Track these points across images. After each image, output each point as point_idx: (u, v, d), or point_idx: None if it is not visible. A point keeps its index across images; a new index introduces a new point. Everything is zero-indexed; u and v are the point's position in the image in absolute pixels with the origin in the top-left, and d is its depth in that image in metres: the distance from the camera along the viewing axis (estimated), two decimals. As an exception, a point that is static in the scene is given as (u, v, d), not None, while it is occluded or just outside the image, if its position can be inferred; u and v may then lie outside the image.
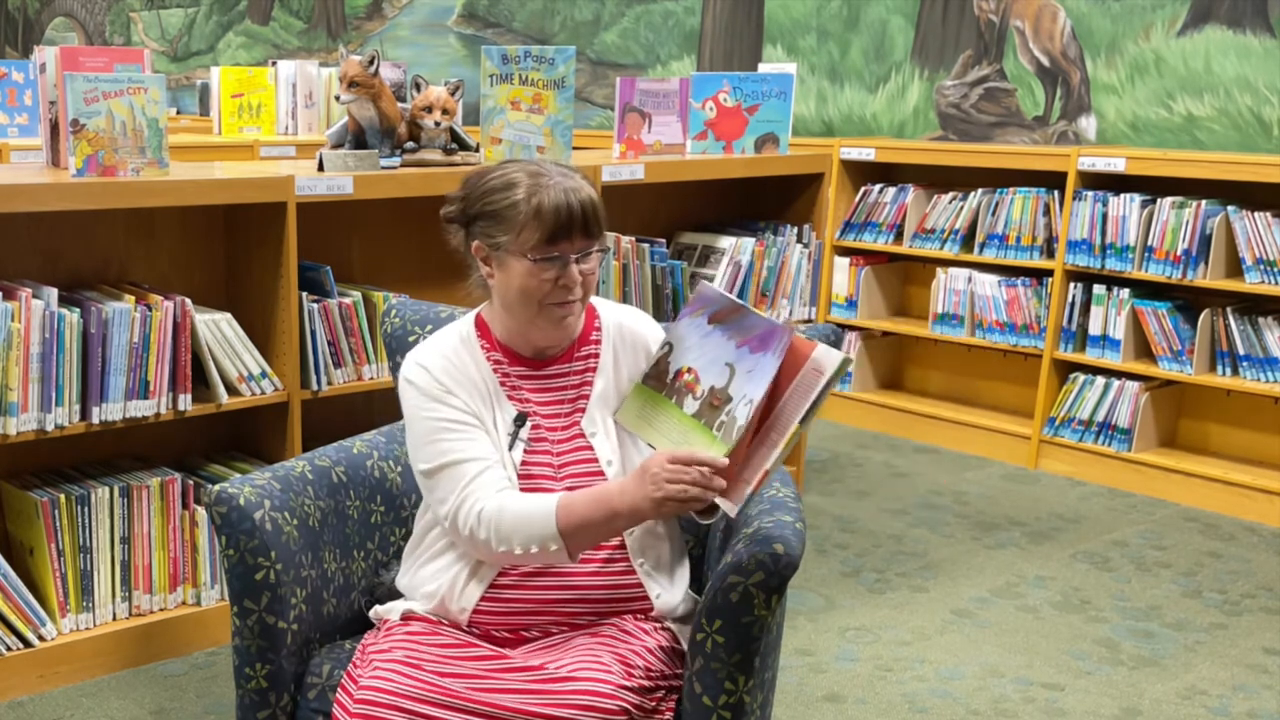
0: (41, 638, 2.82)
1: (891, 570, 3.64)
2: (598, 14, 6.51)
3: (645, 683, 1.81)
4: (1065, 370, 4.62)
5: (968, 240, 4.86)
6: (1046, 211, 4.63)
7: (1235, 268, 4.18)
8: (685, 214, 4.06)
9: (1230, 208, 4.14)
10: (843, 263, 5.20)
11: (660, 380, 1.86)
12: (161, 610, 2.99)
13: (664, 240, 3.65)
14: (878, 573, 3.62)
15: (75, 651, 2.85)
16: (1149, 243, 4.29)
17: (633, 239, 3.52)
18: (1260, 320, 4.12)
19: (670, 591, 1.99)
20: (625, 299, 3.51)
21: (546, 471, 1.94)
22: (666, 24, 6.20)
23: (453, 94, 3.17)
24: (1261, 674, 3.04)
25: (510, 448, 1.94)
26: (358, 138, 3.16)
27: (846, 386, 5.23)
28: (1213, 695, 2.93)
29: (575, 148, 3.66)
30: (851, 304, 5.20)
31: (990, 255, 4.75)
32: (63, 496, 2.80)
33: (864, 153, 5.09)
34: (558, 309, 1.91)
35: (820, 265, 4.03)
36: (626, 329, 2.04)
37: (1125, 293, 4.38)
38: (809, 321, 4.01)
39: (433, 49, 7.40)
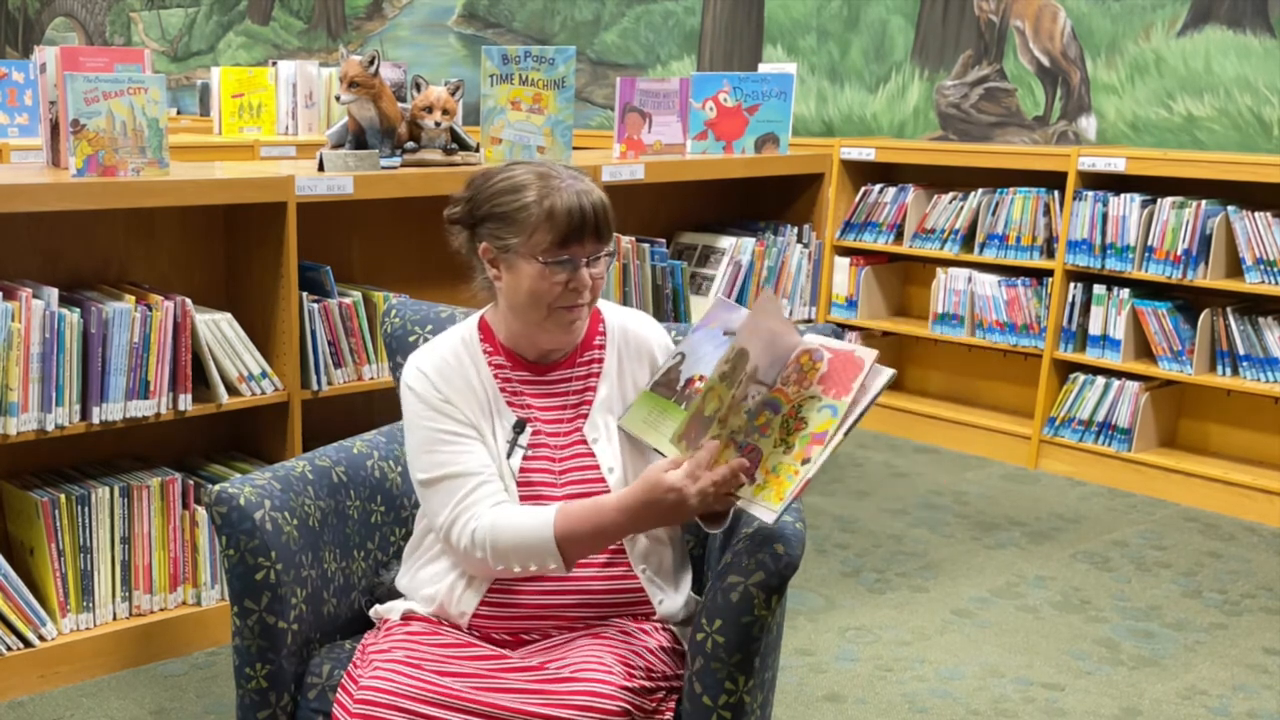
0: (42, 638, 2.82)
1: (891, 570, 3.64)
2: (598, 14, 6.51)
3: (646, 683, 1.81)
4: (1065, 370, 4.62)
5: (968, 240, 4.86)
6: (1046, 211, 4.63)
7: (1235, 268, 4.18)
8: (685, 214, 4.06)
9: (1230, 208, 4.15)
10: (843, 263, 5.21)
11: (670, 388, 1.85)
12: (161, 610, 2.99)
13: (664, 240, 3.65)
14: (878, 573, 3.62)
15: (75, 651, 2.85)
16: (1149, 243, 4.29)
17: (633, 239, 3.52)
18: (1260, 320, 4.12)
19: (672, 598, 1.98)
20: (625, 299, 3.50)
21: (547, 479, 1.93)
22: (666, 24, 6.20)
23: (453, 94, 3.17)
24: (1261, 674, 3.04)
25: (509, 455, 1.93)
26: (358, 138, 3.16)
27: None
28: (1213, 695, 2.93)
29: (575, 148, 3.66)
30: (851, 304, 5.20)
31: (990, 255, 4.75)
32: (63, 496, 2.80)
33: (864, 153, 5.09)
34: (566, 313, 1.90)
35: (820, 265, 4.03)
36: (632, 333, 2.03)
37: (1125, 293, 4.38)
38: (809, 321, 4.01)
39: (433, 49, 7.40)
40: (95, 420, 2.76)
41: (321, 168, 3.07)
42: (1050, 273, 4.58)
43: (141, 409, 2.82)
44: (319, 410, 3.18)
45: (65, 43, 10.19)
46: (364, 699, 1.75)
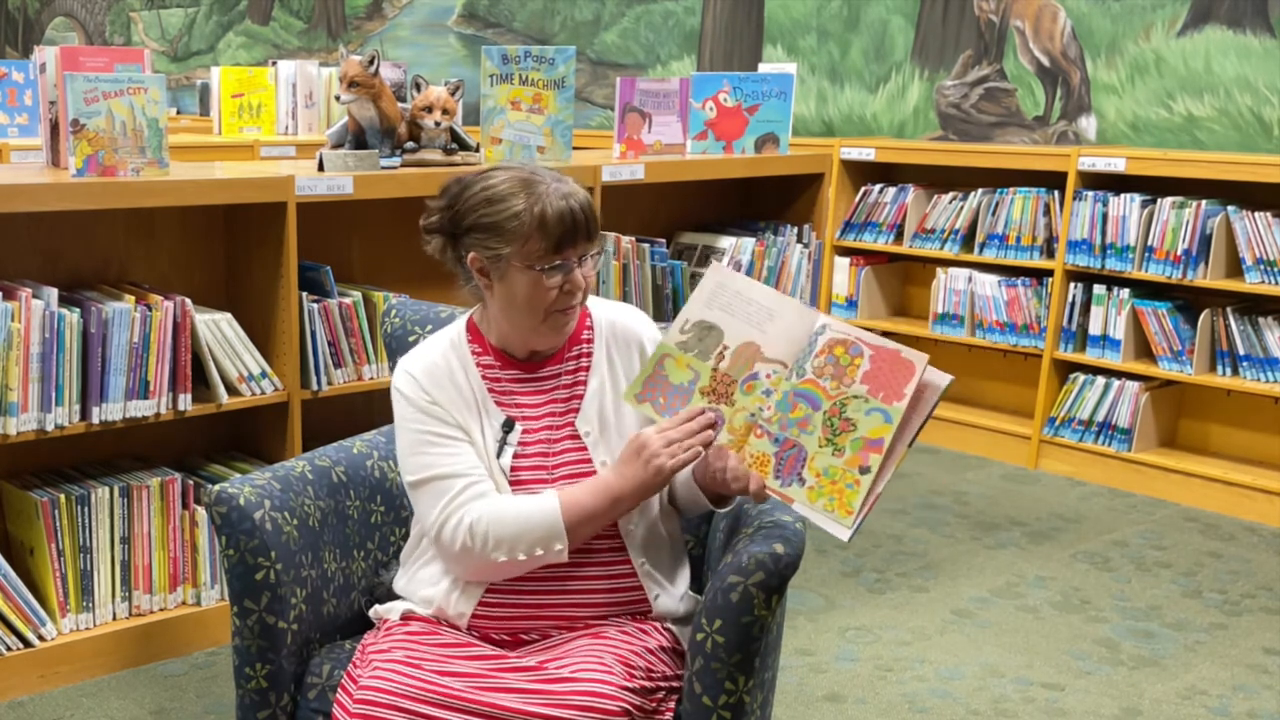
0: (41, 638, 2.82)
1: (891, 570, 3.64)
2: (598, 14, 6.51)
3: (646, 683, 1.81)
4: (1065, 370, 4.62)
5: (968, 240, 4.86)
6: (1047, 211, 4.63)
7: (1235, 268, 4.17)
8: (685, 214, 4.06)
9: (1230, 208, 4.14)
10: (843, 263, 5.20)
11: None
12: (161, 610, 2.99)
13: (664, 240, 3.65)
14: (878, 573, 3.62)
15: (75, 651, 2.85)
16: (1149, 243, 4.29)
17: (633, 239, 3.52)
18: (1260, 320, 4.12)
19: (668, 593, 1.98)
20: (625, 299, 3.51)
21: (540, 475, 1.94)
22: (666, 24, 6.20)
23: (453, 94, 3.17)
24: (1261, 674, 3.04)
25: (498, 455, 1.93)
26: (358, 138, 3.16)
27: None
28: (1213, 695, 2.92)
29: (575, 148, 3.66)
30: (852, 304, 5.20)
31: (990, 255, 4.75)
32: (63, 496, 2.80)
33: (864, 153, 5.09)
34: (562, 315, 1.91)
35: (820, 265, 4.03)
36: (619, 326, 2.03)
37: (1125, 293, 4.38)
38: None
39: (433, 49, 7.40)
40: (95, 420, 2.76)
41: (321, 168, 3.07)
42: (1050, 273, 4.58)
43: (141, 409, 2.82)
44: (319, 410, 3.18)
45: (65, 43, 10.19)
46: (363, 699, 1.75)
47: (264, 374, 3.01)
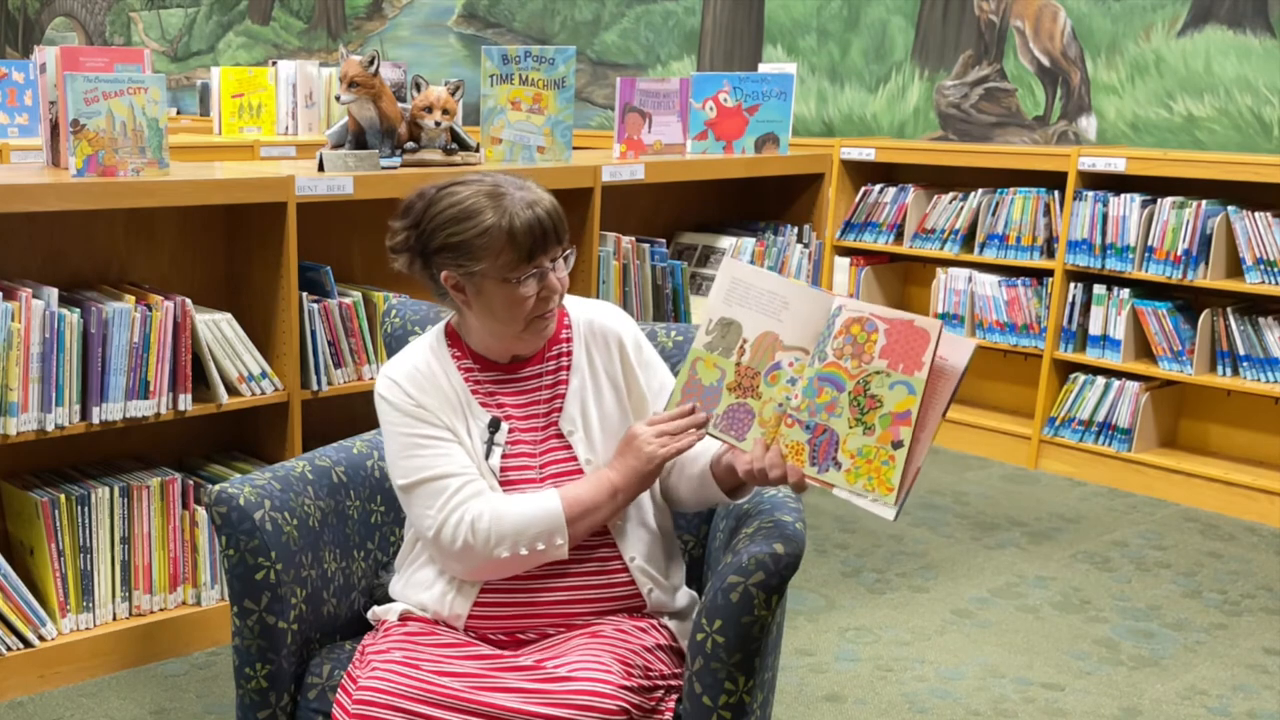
0: (41, 638, 2.82)
1: (891, 570, 3.64)
2: (598, 14, 6.51)
3: (645, 682, 1.82)
4: (1065, 370, 4.62)
5: (968, 240, 4.86)
6: (1047, 211, 4.63)
7: (1235, 268, 4.18)
8: (685, 214, 4.06)
9: (1230, 208, 4.14)
10: (843, 263, 5.20)
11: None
12: (161, 610, 2.99)
13: (664, 240, 3.65)
14: (878, 573, 3.62)
15: (75, 651, 2.85)
16: (1149, 243, 4.29)
17: (633, 239, 3.52)
18: (1260, 320, 4.12)
19: (662, 588, 1.99)
20: (625, 299, 3.51)
21: (528, 475, 1.95)
22: (666, 24, 6.20)
23: (453, 94, 3.17)
24: (1261, 674, 3.04)
25: (487, 455, 1.94)
26: (358, 138, 3.16)
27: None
28: (1213, 695, 2.92)
29: (575, 148, 3.67)
30: (852, 304, 5.19)
31: (990, 255, 4.75)
32: (63, 496, 2.80)
33: (864, 153, 5.09)
34: (541, 320, 1.92)
35: (820, 265, 4.03)
36: (597, 324, 2.04)
37: (1125, 293, 4.38)
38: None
39: (433, 49, 7.40)
40: (95, 420, 2.76)
41: (321, 168, 3.07)
42: (1050, 273, 4.58)
43: (141, 409, 2.82)
44: (319, 410, 3.18)
45: (65, 43, 10.19)
46: (362, 699, 1.75)
47: (264, 374, 3.01)
